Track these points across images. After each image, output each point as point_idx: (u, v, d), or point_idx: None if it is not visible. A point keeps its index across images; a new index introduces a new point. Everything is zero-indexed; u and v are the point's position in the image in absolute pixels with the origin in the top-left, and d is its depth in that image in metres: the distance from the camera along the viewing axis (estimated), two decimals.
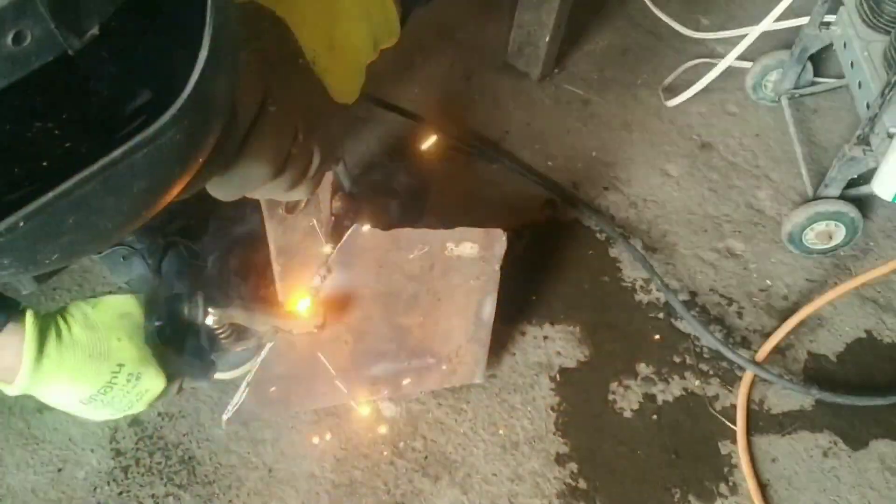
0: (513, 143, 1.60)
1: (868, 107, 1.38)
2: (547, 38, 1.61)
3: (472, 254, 1.14)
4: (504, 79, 1.71)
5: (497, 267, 1.17)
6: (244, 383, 1.11)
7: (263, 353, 1.09)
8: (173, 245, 1.27)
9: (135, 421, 1.18)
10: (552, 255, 1.45)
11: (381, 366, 1.20)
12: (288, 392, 1.16)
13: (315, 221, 1.01)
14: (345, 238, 1.04)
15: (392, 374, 1.21)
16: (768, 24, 1.66)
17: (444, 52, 1.74)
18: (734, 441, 1.26)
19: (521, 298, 1.38)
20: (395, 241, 1.08)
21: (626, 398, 1.30)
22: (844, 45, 1.50)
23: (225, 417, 1.11)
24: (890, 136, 1.34)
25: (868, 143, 1.39)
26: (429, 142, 1.29)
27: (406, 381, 1.23)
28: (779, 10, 1.65)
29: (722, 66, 1.66)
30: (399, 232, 1.07)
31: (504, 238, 1.14)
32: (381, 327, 1.16)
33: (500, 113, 1.65)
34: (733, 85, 1.73)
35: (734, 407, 1.30)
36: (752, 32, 1.66)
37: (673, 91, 1.71)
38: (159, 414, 1.19)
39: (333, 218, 1.12)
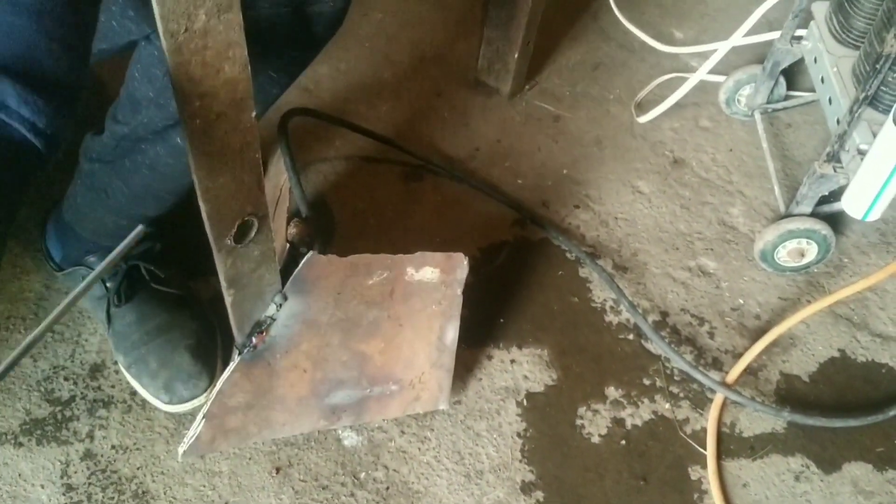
0: (483, 161, 1.58)
1: (838, 123, 1.36)
2: (516, 55, 1.59)
3: (433, 279, 1.12)
4: (474, 95, 1.68)
5: (459, 291, 1.14)
6: (200, 414, 1.08)
7: (219, 383, 1.07)
8: (135, 269, 1.25)
9: (87, 454, 1.15)
10: (520, 275, 1.42)
11: (342, 393, 1.17)
12: (245, 423, 1.13)
13: (267, 248, 0.99)
14: (300, 265, 1.02)
15: (353, 401, 1.19)
16: (738, 38, 1.64)
17: (414, 68, 1.72)
18: (704, 466, 1.24)
19: (488, 321, 1.35)
20: (354, 267, 1.06)
21: (595, 423, 1.27)
22: (815, 59, 1.48)
23: (181, 451, 1.08)
24: (860, 153, 1.32)
25: (838, 161, 1.37)
26: None
27: (368, 409, 1.21)
28: (748, 24, 1.63)
29: (693, 81, 1.64)
30: (357, 258, 1.05)
31: (465, 262, 1.12)
32: (341, 354, 1.13)
33: (470, 130, 1.63)
34: (706, 100, 1.71)
35: (705, 430, 1.27)
36: (722, 47, 1.65)
37: (645, 106, 1.69)
38: (113, 447, 1.16)
39: (288, 245, 1.09)
